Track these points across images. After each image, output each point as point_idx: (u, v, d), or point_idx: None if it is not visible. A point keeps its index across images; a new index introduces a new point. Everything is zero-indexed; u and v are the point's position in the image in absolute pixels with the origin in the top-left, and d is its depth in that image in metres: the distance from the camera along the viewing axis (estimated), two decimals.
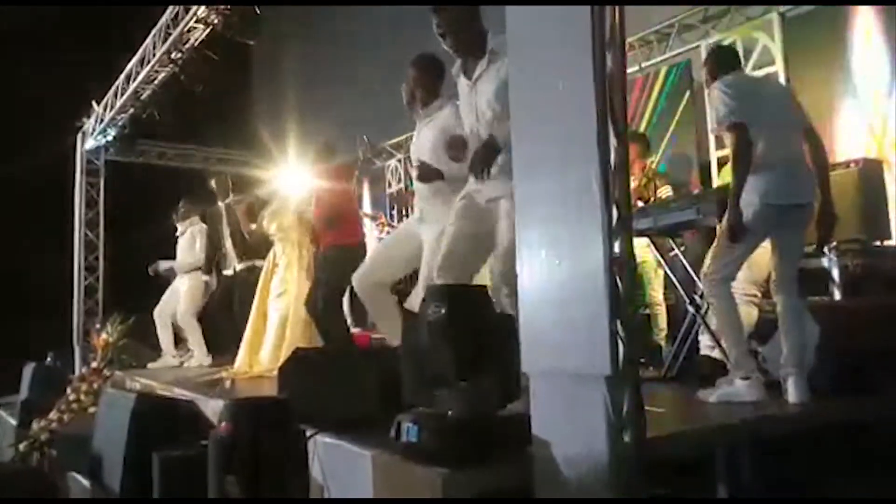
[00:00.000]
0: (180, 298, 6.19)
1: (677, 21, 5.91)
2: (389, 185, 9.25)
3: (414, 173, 3.30)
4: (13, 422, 4.89)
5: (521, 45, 1.97)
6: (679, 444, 2.11)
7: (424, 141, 3.28)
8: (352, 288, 4.51)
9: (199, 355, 6.07)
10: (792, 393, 2.66)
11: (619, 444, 1.64)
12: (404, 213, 8.31)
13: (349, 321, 5.23)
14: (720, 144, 5.15)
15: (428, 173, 3.16)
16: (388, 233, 6.81)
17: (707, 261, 2.86)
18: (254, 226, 5.35)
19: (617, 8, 1.77)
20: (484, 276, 3.18)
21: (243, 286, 5.51)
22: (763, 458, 2.16)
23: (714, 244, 2.87)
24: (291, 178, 6.66)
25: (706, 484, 2.08)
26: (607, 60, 1.75)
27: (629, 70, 5.84)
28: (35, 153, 7.78)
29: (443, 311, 2.11)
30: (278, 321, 4.74)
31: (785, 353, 2.72)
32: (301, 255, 4.91)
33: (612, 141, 1.70)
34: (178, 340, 6.35)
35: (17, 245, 8.00)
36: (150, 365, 6.05)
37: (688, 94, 5.87)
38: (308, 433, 2.22)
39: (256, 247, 5.45)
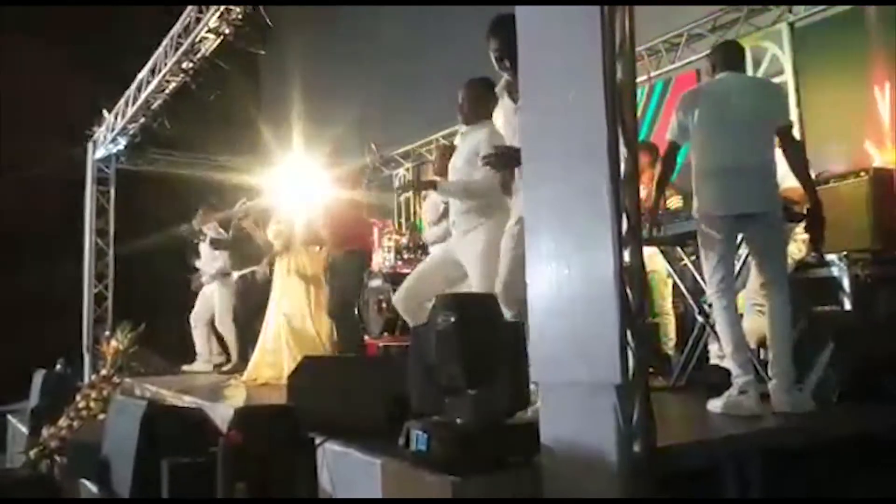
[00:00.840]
0: (215, 304, 6.27)
1: (686, 31, 5.92)
2: (397, 193, 9.28)
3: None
4: (23, 429, 4.92)
5: (531, 54, 1.97)
6: (688, 455, 2.10)
7: (462, 154, 3.29)
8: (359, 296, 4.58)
9: (235, 359, 6.11)
10: (776, 401, 2.64)
11: (629, 453, 1.64)
12: (412, 220, 8.34)
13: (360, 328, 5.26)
14: None
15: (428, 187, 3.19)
16: (395, 240, 6.83)
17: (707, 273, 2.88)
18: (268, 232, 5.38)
19: (627, 17, 1.78)
20: None
21: (245, 295, 5.56)
22: (772, 470, 2.14)
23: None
24: (297, 186, 6.71)
25: (715, 494, 2.07)
26: (617, 70, 1.76)
27: (638, 79, 5.86)
28: (46, 162, 7.86)
29: (452, 319, 2.12)
30: (280, 330, 4.76)
31: (770, 360, 2.71)
32: (302, 265, 4.93)
33: (623, 150, 1.70)
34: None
35: (28, 252, 8.06)
36: (184, 367, 6.16)
37: None
38: (317, 441, 2.23)
39: (256, 256, 5.48)
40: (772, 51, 5.39)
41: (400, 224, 8.37)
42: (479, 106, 3.30)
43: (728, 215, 2.77)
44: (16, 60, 8.25)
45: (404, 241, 6.81)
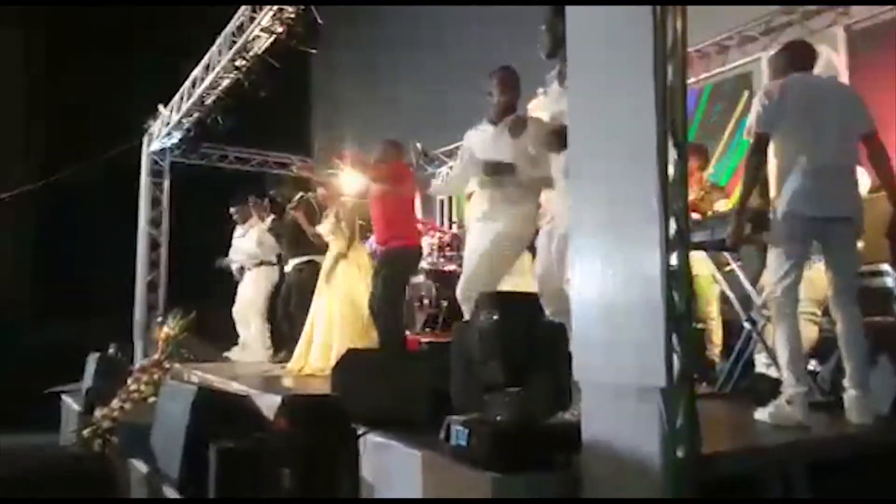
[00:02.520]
0: (246, 293, 6.44)
1: (737, 33, 5.80)
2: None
3: (480, 168, 3.28)
4: (77, 409, 5.10)
5: (581, 55, 1.97)
6: (732, 462, 2.07)
7: (504, 144, 3.28)
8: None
9: (257, 349, 6.28)
10: (855, 413, 2.58)
11: (673, 458, 1.63)
12: (452, 219, 8.37)
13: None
14: None
15: (498, 168, 3.16)
16: (439, 238, 6.87)
17: (765, 277, 2.82)
18: (318, 227, 5.48)
19: (679, 18, 1.77)
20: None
21: (298, 285, 5.66)
22: (818, 481, 2.10)
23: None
24: (346, 180, 6.81)
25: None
26: (668, 72, 1.75)
27: (688, 81, 5.76)
28: (104, 153, 8.14)
29: (495, 317, 2.14)
30: (326, 321, 4.83)
31: (848, 373, 2.64)
32: (349, 258, 5.00)
33: (672, 153, 1.69)
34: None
35: (85, 241, 8.37)
36: (225, 354, 6.33)
37: (746, 105, 5.75)
38: (359, 432, 2.27)
39: (308, 246, 5.58)
40: (826, 53, 5.24)
41: (443, 222, 8.40)
42: (515, 95, 3.33)
43: (816, 217, 2.67)
44: (79, 58, 8.58)
45: (447, 238, 6.85)
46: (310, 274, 5.40)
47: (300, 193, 5.82)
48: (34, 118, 9.00)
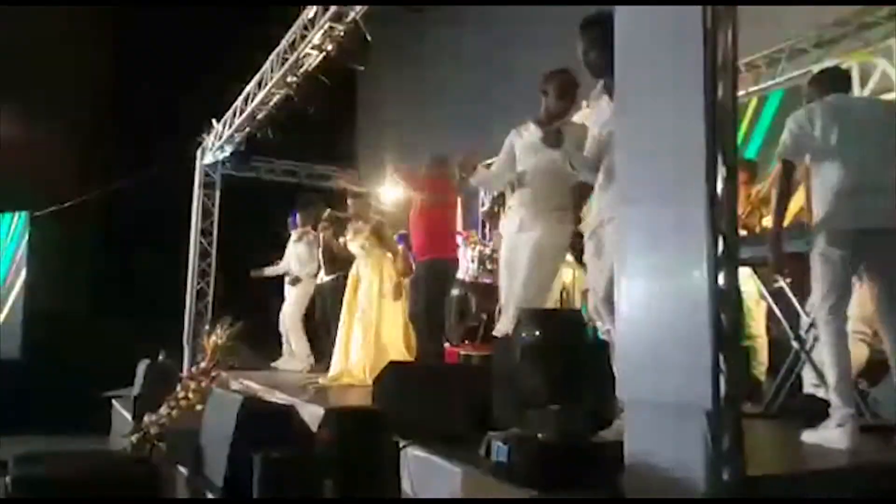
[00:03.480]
0: (289, 303, 6.58)
1: (788, 45, 5.68)
2: (483, 203, 9.32)
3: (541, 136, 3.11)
4: (127, 414, 5.25)
5: (629, 69, 1.96)
6: (779, 487, 2.01)
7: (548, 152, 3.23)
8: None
9: (300, 358, 6.39)
10: None
11: (718, 480, 1.60)
12: (495, 230, 8.36)
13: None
14: None
15: (555, 137, 2.97)
16: (479, 251, 6.87)
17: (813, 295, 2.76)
18: (341, 240, 5.57)
19: (730, 32, 1.75)
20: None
21: (328, 297, 5.77)
22: None
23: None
24: (385, 192, 6.91)
25: None
26: (718, 87, 1.73)
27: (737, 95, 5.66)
28: (157, 166, 8.43)
29: (536, 334, 2.14)
30: (362, 339, 4.89)
31: None
32: (383, 277, 5.04)
33: (721, 170, 1.67)
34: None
35: (138, 250, 8.64)
36: (273, 364, 6.47)
37: None
38: (400, 445, 2.29)
39: (344, 261, 5.67)
40: (881, 66, 5.09)
41: (484, 234, 8.40)
42: (571, 102, 3.29)
43: (857, 229, 2.64)
44: (137, 75, 8.93)
45: (488, 251, 6.85)
46: (342, 286, 5.49)
47: (327, 211, 5.94)
48: (96, 131, 9.37)
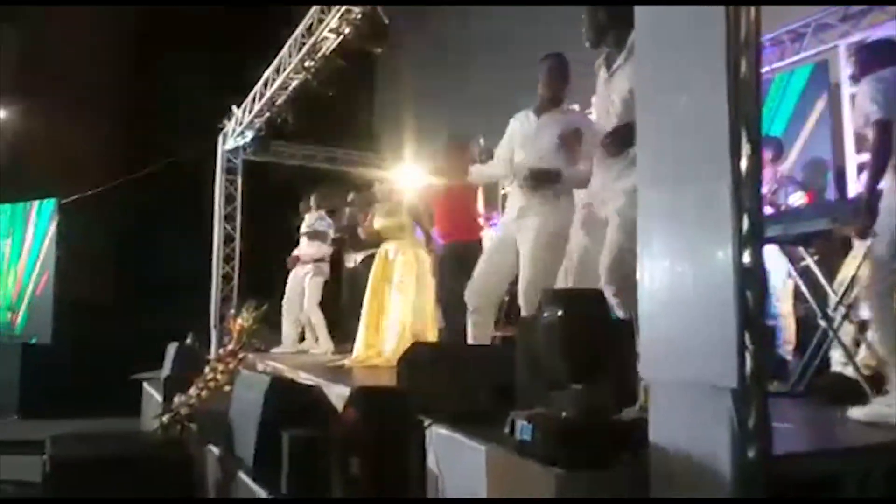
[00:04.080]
0: (306, 289, 6.63)
1: (813, 20, 5.55)
2: (502, 186, 9.30)
3: (523, 176, 3.27)
4: (157, 396, 5.36)
5: (650, 46, 1.94)
6: (806, 464, 2.01)
7: (547, 140, 3.28)
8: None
9: (323, 343, 6.47)
10: None
11: (743, 459, 1.60)
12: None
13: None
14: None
15: (545, 176, 3.17)
16: None
17: (868, 271, 2.69)
18: (375, 221, 5.59)
19: (753, 8, 1.72)
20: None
21: (357, 278, 5.80)
22: None
23: (869, 253, 2.70)
24: (408, 177, 6.91)
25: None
26: (742, 64, 1.71)
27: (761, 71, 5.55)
28: (181, 153, 8.54)
29: (559, 313, 2.14)
30: (398, 321, 4.91)
31: None
32: (419, 258, 5.05)
33: (745, 147, 1.66)
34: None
35: (163, 236, 8.77)
36: (272, 350, 6.51)
37: (824, 95, 5.50)
38: (425, 423, 2.32)
39: (370, 244, 5.70)
40: None
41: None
42: (562, 86, 3.31)
43: None
44: (159, 64, 9.01)
45: None
46: (368, 267, 5.53)
47: (352, 193, 5.96)
48: (118, 119, 9.50)
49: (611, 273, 2.60)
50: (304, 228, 6.91)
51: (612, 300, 2.56)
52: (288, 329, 6.79)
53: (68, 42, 9.20)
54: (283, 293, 6.84)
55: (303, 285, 6.72)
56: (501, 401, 2.38)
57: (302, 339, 6.83)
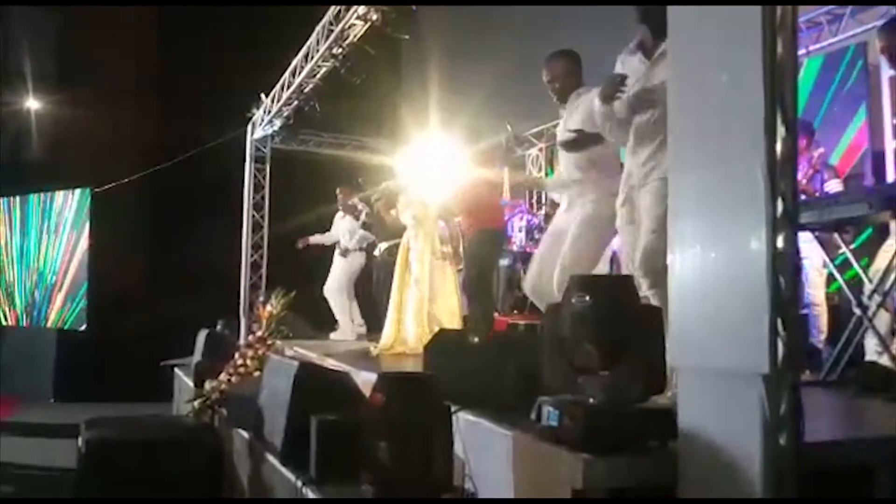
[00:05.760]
0: (334, 276, 6.71)
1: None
2: (530, 173, 9.25)
3: (565, 151, 3.30)
4: (189, 381, 5.47)
5: (683, 26, 1.89)
6: (838, 452, 1.98)
7: (573, 126, 3.27)
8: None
9: (344, 329, 6.54)
10: None
11: (774, 446, 1.57)
12: (543, 199, 8.30)
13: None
14: None
15: (584, 140, 3.14)
16: (527, 221, 6.85)
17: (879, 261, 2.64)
18: (392, 212, 5.61)
19: None
20: None
21: (384, 267, 5.83)
22: None
23: None
24: (434, 166, 6.89)
25: (866, 496, 1.94)
26: (778, 44, 1.66)
27: (799, 53, 5.42)
28: (212, 140, 8.64)
29: (587, 299, 2.12)
30: (415, 309, 4.93)
31: None
32: (434, 248, 5.05)
33: (780, 130, 1.62)
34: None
35: (194, 225, 8.90)
36: (332, 335, 6.63)
37: (862, 79, 5.36)
38: (452, 409, 2.32)
39: (397, 232, 5.73)
40: None
41: (531, 204, 8.35)
42: (575, 79, 3.35)
43: None
44: (191, 54, 9.12)
45: (536, 221, 6.81)
46: (393, 256, 5.55)
47: (382, 184, 5.98)
48: (149, 109, 9.64)
49: (644, 266, 2.58)
50: (341, 216, 6.97)
51: (647, 293, 2.54)
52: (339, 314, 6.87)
53: (100, 33, 9.35)
54: (314, 281, 6.93)
55: (337, 273, 6.80)
56: (527, 389, 2.38)
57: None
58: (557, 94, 3.44)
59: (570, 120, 3.35)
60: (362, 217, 6.81)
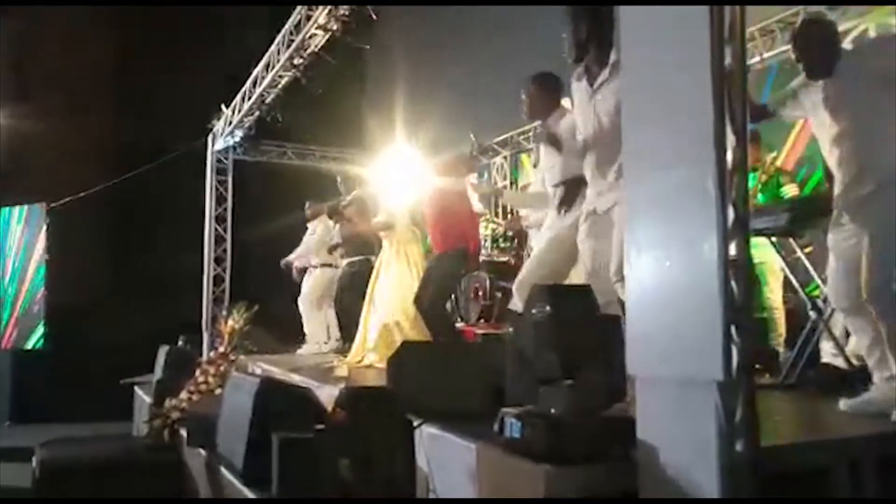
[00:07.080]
0: (305, 289, 6.62)
1: (802, 9, 5.54)
2: (495, 182, 9.30)
3: (546, 152, 3.32)
4: (148, 399, 5.33)
5: (633, 36, 1.92)
6: (794, 455, 2.01)
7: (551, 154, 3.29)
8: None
9: (311, 343, 6.46)
10: None
11: (731, 452, 1.59)
12: (508, 210, 8.33)
13: (455, 317, 5.31)
14: None
15: (552, 137, 3.15)
16: (493, 230, 6.85)
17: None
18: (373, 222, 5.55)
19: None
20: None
21: (352, 280, 5.77)
22: (889, 476, 2.01)
23: None
24: (400, 175, 6.87)
25: (822, 499, 1.97)
26: (726, 54, 1.69)
27: (750, 62, 5.56)
28: (172, 153, 8.49)
29: (548, 309, 2.13)
30: (382, 319, 4.90)
31: None
32: (401, 255, 5.03)
33: (731, 139, 1.64)
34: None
35: (154, 238, 8.73)
36: (299, 350, 6.52)
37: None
38: (415, 423, 2.30)
39: (367, 244, 5.67)
40: None
41: (497, 212, 8.38)
42: (555, 102, 3.34)
43: None
44: (149, 65, 8.98)
45: (501, 230, 6.82)
46: (363, 270, 5.49)
47: (352, 193, 5.93)
48: (106, 122, 9.45)
49: (620, 273, 2.59)
50: (311, 232, 6.87)
51: (621, 292, 2.55)
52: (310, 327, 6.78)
53: (56, 46, 9.14)
54: (275, 294, 6.82)
55: (307, 286, 6.72)
56: (491, 399, 2.37)
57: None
58: (528, 116, 3.48)
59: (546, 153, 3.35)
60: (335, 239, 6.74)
